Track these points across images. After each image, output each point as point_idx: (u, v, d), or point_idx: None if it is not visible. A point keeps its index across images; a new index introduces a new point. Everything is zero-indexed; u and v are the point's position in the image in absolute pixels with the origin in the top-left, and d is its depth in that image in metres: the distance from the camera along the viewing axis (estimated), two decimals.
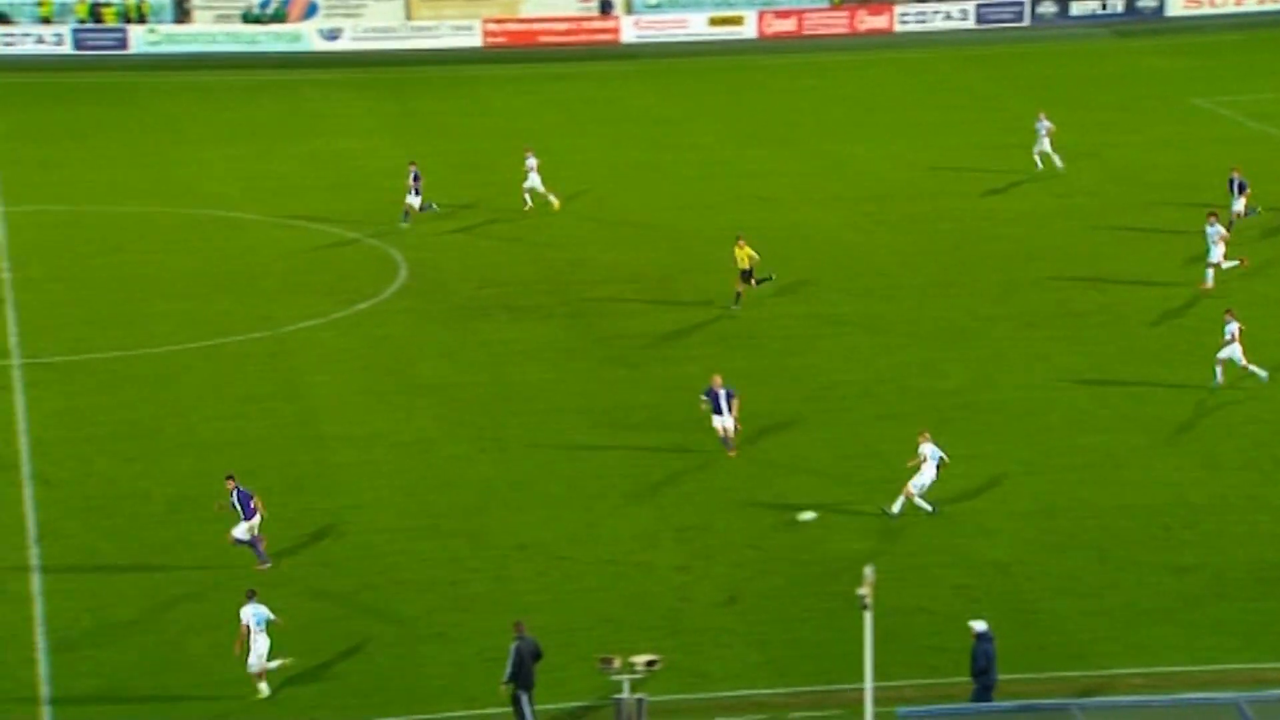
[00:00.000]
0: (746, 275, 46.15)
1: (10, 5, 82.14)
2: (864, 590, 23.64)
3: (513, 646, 27.41)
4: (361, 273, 49.83)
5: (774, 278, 46.74)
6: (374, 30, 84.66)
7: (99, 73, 78.05)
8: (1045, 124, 59.03)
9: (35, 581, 32.40)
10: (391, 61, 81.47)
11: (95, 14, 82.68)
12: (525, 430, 39.45)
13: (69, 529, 34.53)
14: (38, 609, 31.45)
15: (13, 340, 44.76)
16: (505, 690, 27.32)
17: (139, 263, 51.20)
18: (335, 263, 51.60)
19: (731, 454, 36.95)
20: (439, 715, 28.18)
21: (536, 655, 27.60)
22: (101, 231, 53.82)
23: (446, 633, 30.37)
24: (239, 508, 32.29)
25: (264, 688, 28.64)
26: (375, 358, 44.10)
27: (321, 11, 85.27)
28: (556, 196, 55.62)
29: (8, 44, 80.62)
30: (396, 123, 69.80)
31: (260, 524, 32.56)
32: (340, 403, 41.32)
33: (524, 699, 27.32)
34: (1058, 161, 58.56)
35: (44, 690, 28.94)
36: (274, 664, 28.68)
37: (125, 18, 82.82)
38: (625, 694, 24.97)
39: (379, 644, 30.30)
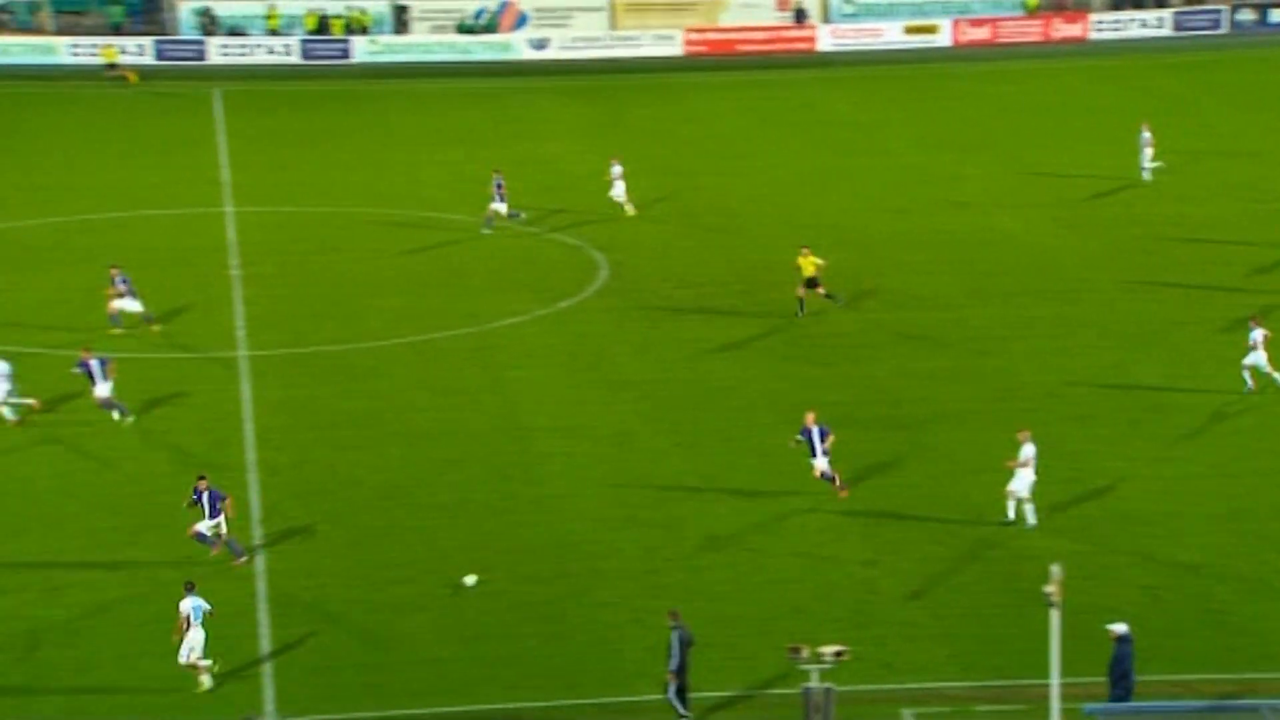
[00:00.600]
0: (812, 283, 45.69)
1: (243, 18, 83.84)
2: (1051, 588, 23.14)
3: (673, 635, 27.29)
4: (564, 272, 50.02)
5: (841, 299, 46.36)
6: (580, 39, 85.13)
7: (323, 81, 79.36)
8: (1146, 135, 57.60)
9: (258, 560, 32.90)
10: (596, 69, 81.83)
11: (322, 26, 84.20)
12: (719, 426, 39.28)
13: (289, 511, 35.02)
14: (260, 586, 31.94)
15: (240, 333, 45.55)
16: (670, 679, 27.20)
17: (356, 261, 51.87)
18: (539, 262, 51.85)
19: (843, 495, 35.18)
20: (633, 698, 28.08)
21: (690, 642, 27.45)
22: (322, 231, 54.64)
23: (642, 619, 30.27)
24: (205, 506, 32.29)
25: (205, 680, 28.35)
26: (576, 353, 44.21)
27: (531, 22, 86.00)
28: (632, 205, 55.56)
29: (241, 54, 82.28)
30: (600, 128, 70.00)
31: (226, 525, 32.37)
32: (542, 396, 41.47)
33: (679, 684, 27.20)
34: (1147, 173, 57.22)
35: (266, 663, 29.35)
36: (205, 662, 28.30)
37: (349, 29, 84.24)
38: (814, 683, 24.72)
39: (576, 628, 30.31)
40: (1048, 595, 23.02)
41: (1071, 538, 33.07)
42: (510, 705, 28.08)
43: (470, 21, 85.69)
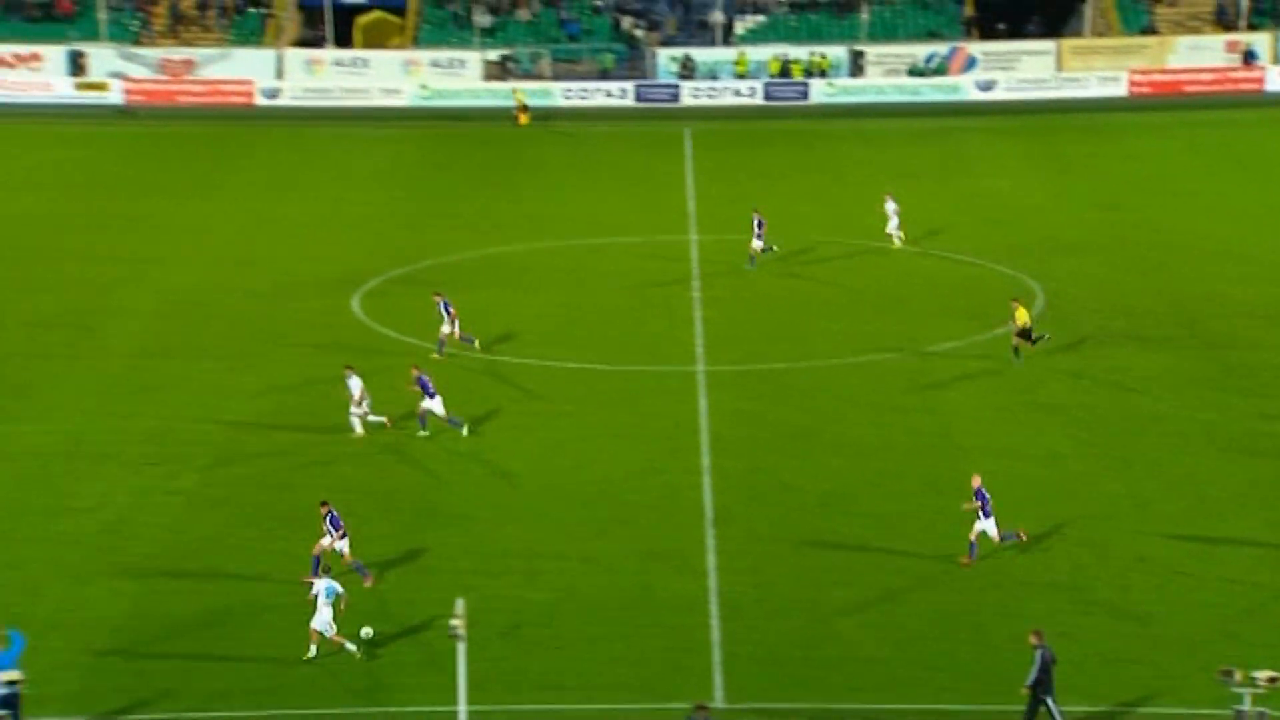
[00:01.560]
0: (1025, 333, 43.79)
1: (715, 64, 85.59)
2: None
3: (1038, 653, 26.47)
4: (1001, 301, 49.10)
5: (1049, 337, 44.30)
6: (1026, 81, 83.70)
7: (782, 120, 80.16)
8: None
9: (710, 559, 33.42)
10: (1041, 110, 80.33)
11: (784, 70, 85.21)
12: (1150, 452, 37.99)
13: (739, 514, 35.47)
14: (712, 582, 32.43)
15: (699, 350, 46.37)
16: (1025, 694, 26.37)
17: (806, 286, 52.18)
18: (977, 291, 51.13)
19: (1023, 535, 33.45)
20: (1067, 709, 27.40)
21: (1053, 662, 26.53)
22: (777, 258, 55.09)
23: (1069, 633, 29.50)
24: (329, 527, 32.06)
25: (313, 650, 29.08)
26: (1009, 378, 43.39)
27: (979, 65, 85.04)
28: (901, 239, 54.78)
29: (710, 97, 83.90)
30: (1044, 165, 68.65)
31: (349, 546, 32.05)
32: (975, 417, 40.89)
33: (1050, 702, 26.30)
34: None
35: (715, 654, 29.79)
36: (325, 629, 28.96)
37: (808, 73, 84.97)
38: (1245, 706, 23.62)
39: (1004, 638, 29.72)
40: None
41: None
42: (940, 707, 27.78)
43: (921, 65, 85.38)
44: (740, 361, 45.29)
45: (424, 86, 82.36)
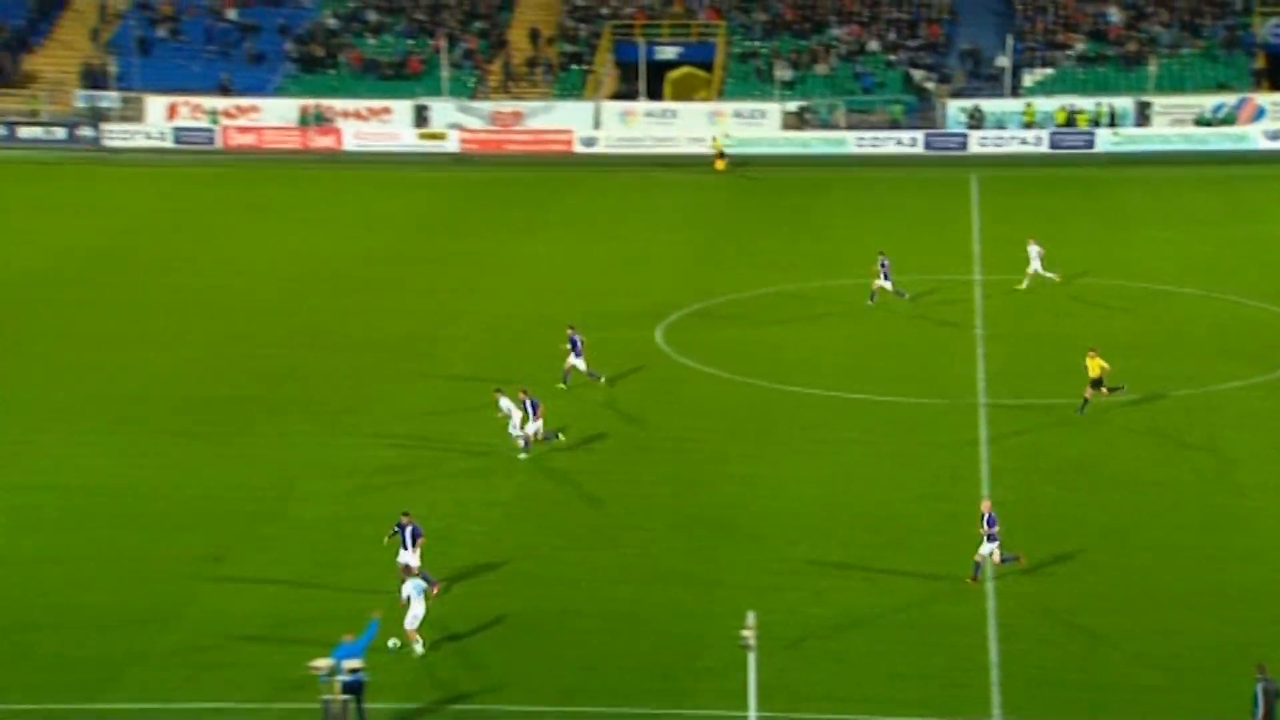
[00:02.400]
0: (1097, 383, 41.29)
1: (1004, 114, 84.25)
2: None
3: (1258, 687, 25.05)
4: None
5: (1125, 388, 41.81)
6: None
7: (1068, 168, 78.34)
8: None
9: (989, 583, 32.80)
10: None
11: (1070, 120, 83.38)
12: None
13: (1018, 542, 34.63)
14: (990, 605, 31.85)
15: (981, 384, 45.62)
16: None
17: (1088, 325, 50.80)
18: (1262, 333, 49.10)
19: (1021, 561, 32.60)
20: None
21: (1276, 694, 25.04)
22: (1055, 297, 53.82)
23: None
24: (407, 539, 31.85)
25: (418, 647, 29.60)
26: None
27: (1268, 115, 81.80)
28: (1028, 281, 53.85)
29: (997, 145, 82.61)
30: None
31: (419, 557, 31.69)
32: (1257, 456, 39.23)
33: None
34: None
35: (994, 674, 29.26)
36: (414, 626, 29.58)
37: (1094, 122, 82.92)
38: None
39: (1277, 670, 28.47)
40: None
41: None
42: None
43: (1209, 115, 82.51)
44: (1020, 395, 44.37)
45: (727, 135, 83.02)
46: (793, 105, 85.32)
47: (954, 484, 38.23)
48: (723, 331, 51.28)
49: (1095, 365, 42.21)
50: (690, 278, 57.89)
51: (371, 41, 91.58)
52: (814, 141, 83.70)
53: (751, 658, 24.88)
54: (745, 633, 24.75)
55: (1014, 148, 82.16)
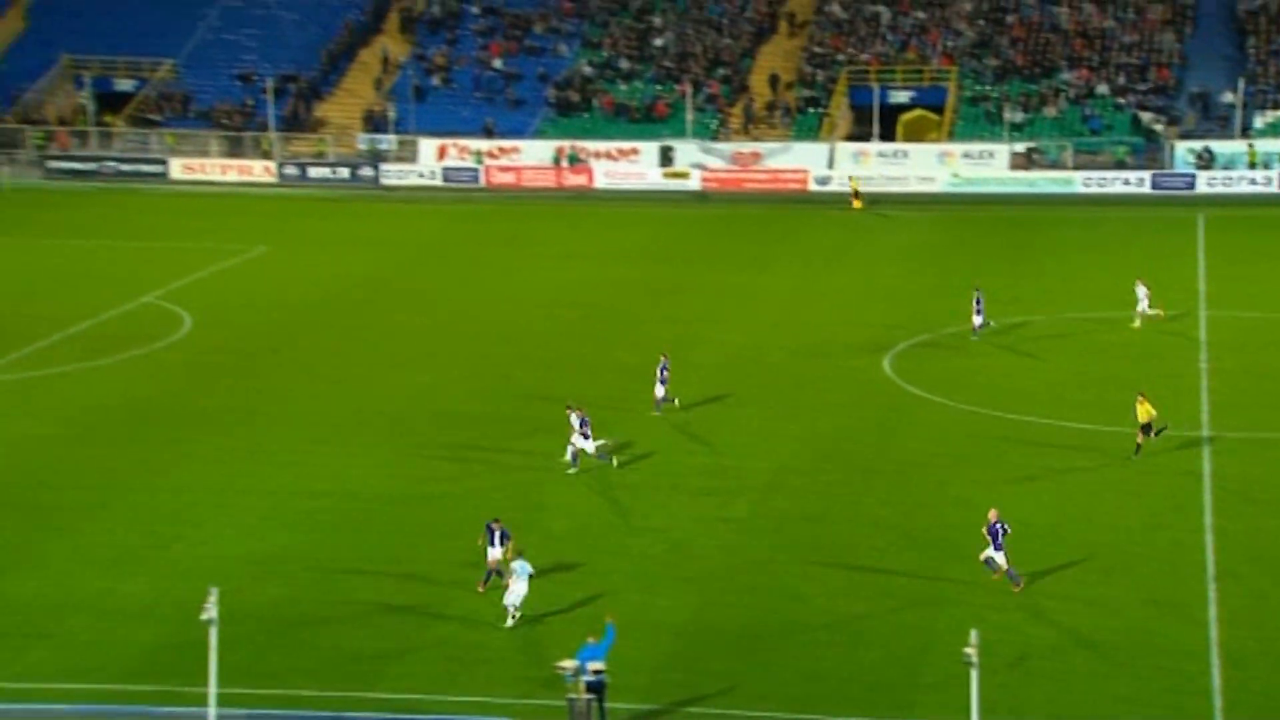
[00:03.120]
0: (1146, 429, 38.90)
1: (1231, 155, 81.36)
2: None
3: None
4: None
5: (1168, 428, 39.70)
6: None
7: None
8: None
9: (1211, 610, 31.62)
10: None
11: None
12: None
13: (1242, 572, 33.42)
14: (1213, 633, 30.69)
15: (1204, 417, 44.05)
16: None
17: None
18: None
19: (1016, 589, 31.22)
20: None
21: None
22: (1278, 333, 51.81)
23: None
24: (496, 540, 32.34)
25: (509, 621, 30.73)
26: None
27: None
28: (1145, 317, 52.89)
29: (1225, 185, 79.90)
30: None
31: (504, 555, 32.18)
32: None
33: None
34: None
35: (1216, 700, 28.21)
36: (517, 612, 30.78)
37: None
38: None
39: None
40: None
41: None
42: None
43: None
44: (1244, 429, 42.69)
45: (955, 175, 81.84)
46: (1021, 146, 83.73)
47: (1176, 513, 36.96)
48: (948, 361, 50.50)
49: (1144, 411, 40.24)
50: (918, 310, 57.18)
51: (623, 87, 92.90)
52: (1041, 181, 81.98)
53: (974, 674, 24.40)
54: (968, 649, 24.30)
55: (1243, 188, 79.27)
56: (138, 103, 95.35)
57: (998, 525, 32.54)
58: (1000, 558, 32.50)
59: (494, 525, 33.10)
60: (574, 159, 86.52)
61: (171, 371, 50.41)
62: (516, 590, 31.09)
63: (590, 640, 27.76)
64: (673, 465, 41.02)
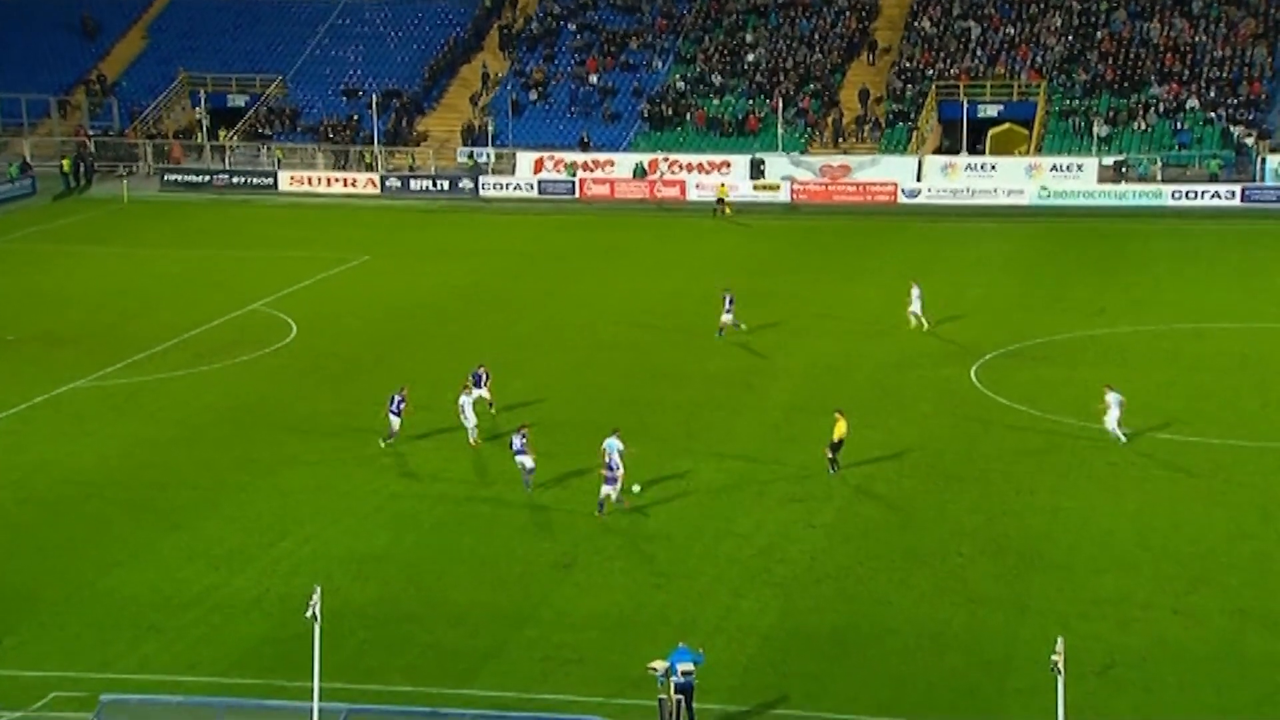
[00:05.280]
0: (836, 447, 38.60)
1: None
2: None
3: None
4: None
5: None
6: None
7: None
8: None
9: None
10: None
11: None
12: None
13: None
14: None
15: None
16: None
17: None
18: None
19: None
20: None
21: None
22: None
23: None
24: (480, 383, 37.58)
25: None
26: None
27: None
28: (919, 321, 53.77)
29: None
30: None
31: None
32: None
33: None
34: None
35: None
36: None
37: None
38: None
39: None
40: None
41: None
42: None
43: None
44: None
45: (1043, 188, 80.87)
46: (1109, 159, 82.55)
47: (1262, 523, 36.21)
48: (1034, 371, 49.86)
49: (839, 428, 39.48)
50: (1004, 320, 56.53)
51: (715, 102, 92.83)
52: (1129, 194, 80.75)
53: (1060, 681, 24.04)
54: (1055, 656, 23.95)
55: None
56: (249, 118, 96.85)
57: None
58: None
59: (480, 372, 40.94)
60: (640, 171, 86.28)
61: (278, 376, 51.09)
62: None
63: (682, 644, 27.75)
64: (760, 471, 40.84)
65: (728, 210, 79.48)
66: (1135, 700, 28.09)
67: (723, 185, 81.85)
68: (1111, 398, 41.76)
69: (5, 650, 30.95)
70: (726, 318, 54.01)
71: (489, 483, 40.30)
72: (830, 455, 40.16)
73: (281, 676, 29.06)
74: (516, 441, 39.29)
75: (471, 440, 42.66)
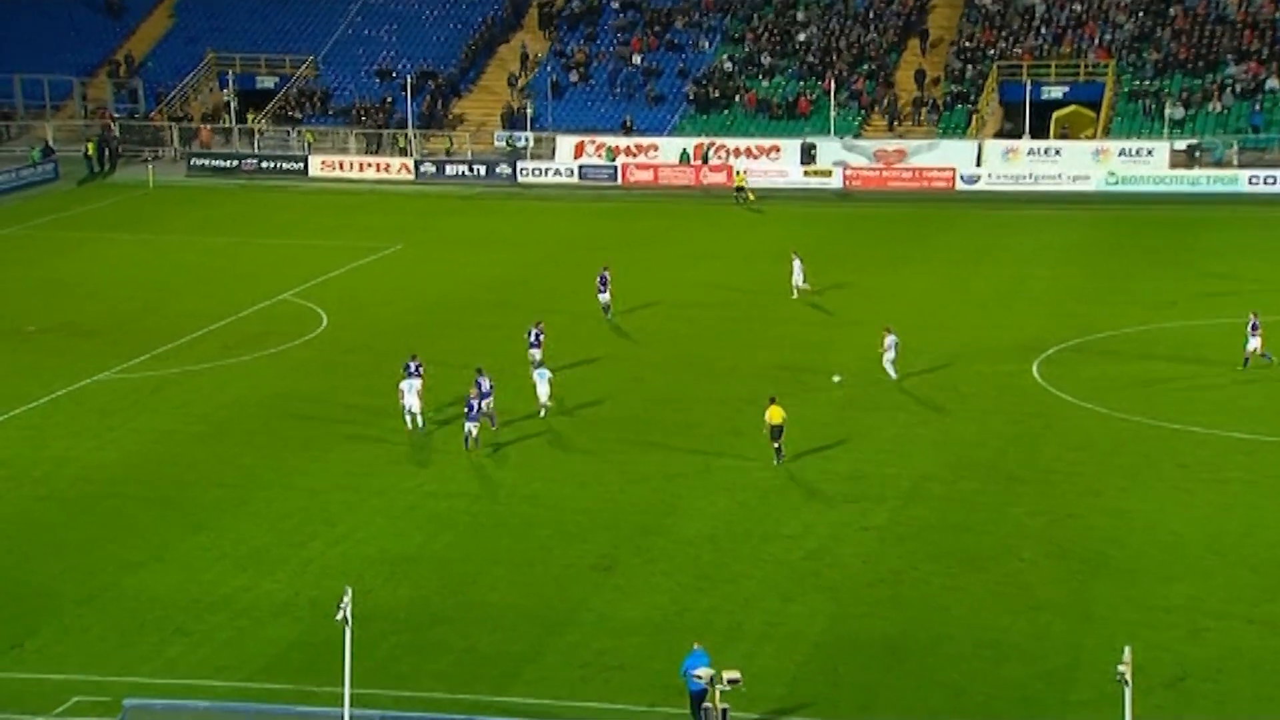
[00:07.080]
0: (776, 433, 38.94)
1: None
2: None
3: None
4: None
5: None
6: None
7: None
8: None
9: None
10: None
11: None
12: None
13: None
14: None
15: None
16: None
17: None
18: None
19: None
20: None
21: None
22: None
23: None
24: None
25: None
26: None
27: None
28: (806, 287, 57.42)
29: None
30: None
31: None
32: None
33: None
34: None
35: None
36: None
37: None
38: None
39: None
40: None
41: None
42: None
43: None
44: None
45: (1111, 174, 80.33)
46: (1182, 143, 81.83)
47: None
48: (1099, 367, 49.56)
49: (775, 412, 40.05)
50: (1068, 313, 56.20)
51: (764, 83, 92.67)
52: (1203, 179, 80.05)
53: (1127, 693, 23.89)
54: (1121, 667, 23.79)
55: None
56: (279, 100, 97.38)
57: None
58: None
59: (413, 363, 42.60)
60: (685, 157, 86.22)
61: (308, 369, 51.39)
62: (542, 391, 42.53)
63: (697, 646, 27.76)
64: (810, 470, 40.79)
65: (750, 196, 79.45)
66: (1207, 714, 27.88)
67: (740, 173, 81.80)
68: (889, 340, 47.09)
69: (26, 653, 31.30)
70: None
71: (527, 481, 40.43)
72: (775, 444, 40.28)
73: (311, 682, 29.26)
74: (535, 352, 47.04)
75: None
